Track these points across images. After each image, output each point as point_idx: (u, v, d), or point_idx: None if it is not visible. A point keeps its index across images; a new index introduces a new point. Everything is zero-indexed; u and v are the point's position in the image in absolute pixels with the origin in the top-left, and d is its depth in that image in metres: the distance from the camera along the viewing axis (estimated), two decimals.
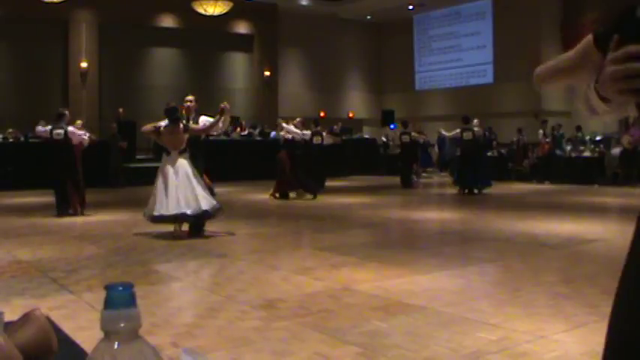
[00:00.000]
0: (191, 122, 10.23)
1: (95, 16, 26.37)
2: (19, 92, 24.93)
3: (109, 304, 0.86)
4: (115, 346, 0.84)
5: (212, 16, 26.04)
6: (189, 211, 9.58)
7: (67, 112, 13.57)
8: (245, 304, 5.86)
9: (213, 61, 29.28)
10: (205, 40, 28.47)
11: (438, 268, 7.52)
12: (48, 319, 1.30)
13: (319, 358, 4.43)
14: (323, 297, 6.08)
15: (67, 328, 1.63)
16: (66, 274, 7.28)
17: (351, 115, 33.05)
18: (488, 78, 29.92)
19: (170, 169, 9.65)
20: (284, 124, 17.11)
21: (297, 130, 16.79)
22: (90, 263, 8.00)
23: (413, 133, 20.94)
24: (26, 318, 1.27)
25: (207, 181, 10.91)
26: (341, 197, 17.15)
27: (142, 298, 5.97)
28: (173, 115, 9.93)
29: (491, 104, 28.55)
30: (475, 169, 18.01)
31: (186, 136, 9.83)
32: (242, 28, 29.82)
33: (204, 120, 10.45)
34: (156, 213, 9.65)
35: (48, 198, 14.60)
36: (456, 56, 31.46)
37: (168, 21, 28.22)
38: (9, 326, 1.30)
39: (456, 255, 8.62)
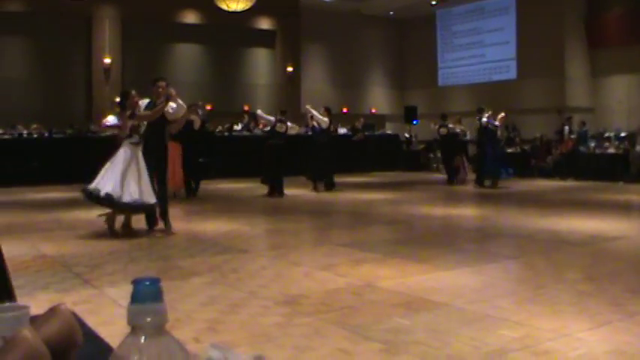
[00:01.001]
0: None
1: (118, 12, 26.48)
2: (42, 88, 25.09)
3: (135, 298, 0.86)
4: (142, 341, 0.84)
5: (234, 12, 26.05)
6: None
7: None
8: (267, 300, 5.87)
9: (236, 57, 29.32)
10: (228, 36, 28.50)
11: (461, 265, 7.50)
12: (73, 313, 1.31)
13: (341, 354, 4.43)
14: (345, 293, 6.08)
15: (91, 322, 1.64)
16: (89, 269, 7.34)
17: (373, 110, 32.99)
18: (512, 74, 29.73)
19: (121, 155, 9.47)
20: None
21: (271, 118, 16.51)
22: (113, 258, 8.04)
23: (450, 125, 20.73)
24: (51, 312, 1.28)
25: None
26: (363, 193, 17.14)
27: (165, 293, 6.01)
28: (120, 99, 9.96)
29: (514, 100, 28.35)
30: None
31: (131, 122, 9.61)
32: (264, 23, 29.83)
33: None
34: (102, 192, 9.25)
35: (71, 193, 14.69)
36: (479, 52, 31.29)
37: (190, 17, 28.28)
38: (35, 320, 1.30)
39: (478, 251, 8.58)
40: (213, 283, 6.57)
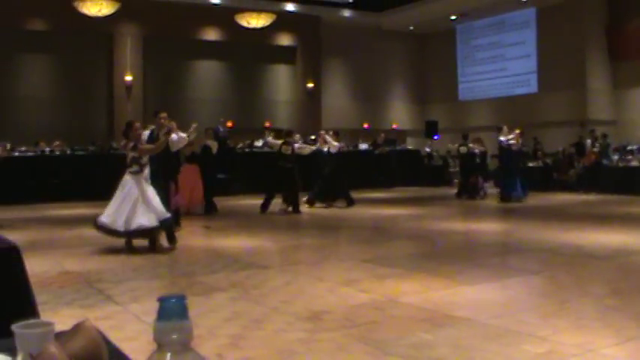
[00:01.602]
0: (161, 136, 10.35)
1: (140, 29, 26.70)
2: (64, 105, 25.33)
3: (161, 315, 0.86)
4: (168, 358, 0.84)
5: (255, 29, 26.21)
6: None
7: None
8: (290, 316, 5.86)
9: (257, 73, 29.44)
10: (249, 52, 28.63)
11: (484, 280, 7.45)
12: (97, 330, 1.32)
13: None
14: (368, 309, 6.05)
15: (114, 338, 1.64)
16: (113, 285, 7.36)
17: (394, 126, 32.97)
18: (533, 87, 29.63)
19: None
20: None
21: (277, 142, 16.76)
22: (136, 275, 8.07)
23: (470, 144, 20.89)
24: (77, 328, 1.29)
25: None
26: (385, 208, 17.11)
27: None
28: (125, 129, 10.01)
29: (535, 114, 28.26)
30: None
31: (132, 154, 9.73)
32: (285, 40, 29.95)
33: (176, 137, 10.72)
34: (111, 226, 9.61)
35: (94, 210, 14.76)
36: (500, 66, 31.22)
37: (211, 34, 28.45)
38: (60, 336, 1.31)
39: (501, 266, 8.53)
40: (236, 298, 6.57)
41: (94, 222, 9.69)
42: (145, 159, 9.72)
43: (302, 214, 15.46)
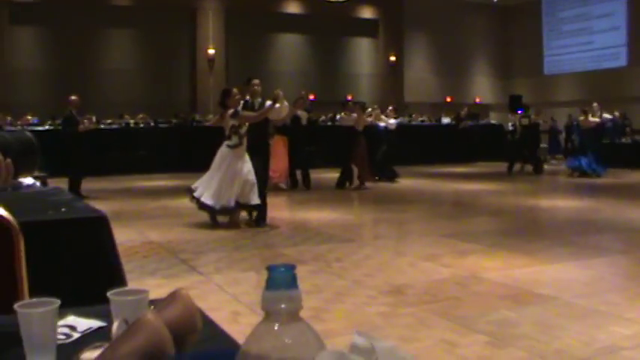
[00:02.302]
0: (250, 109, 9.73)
1: (222, 3, 26.92)
2: (148, 79, 25.77)
3: (270, 284, 0.87)
4: (276, 327, 0.85)
5: (337, 2, 26.14)
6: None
7: None
8: (372, 290, 5.88)
9: (338, 46, 29.38)
10: (330, 25, 28.57)
11: (568, 258, 7.32)
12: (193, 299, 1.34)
13: (446, 345, 4.40)
14: (450, 284, 6.02)
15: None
16: (195, 256, 7.50)
17: (477, 100, 32.52)
18: (622, 61, 28.74)
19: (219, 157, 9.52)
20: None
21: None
22: (218, 246, 8.19)
23: (532, 115, 20.43)
24: (172, 297, 1.31)
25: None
26: (466, 183, 16.93)
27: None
28: (221, 98, 9.63)
29: (624, 89, 27.46)
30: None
31: (232, 122, 9.38)
32: (367, 13, 29.78)
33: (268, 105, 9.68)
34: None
35: (176, 181, 15.05)
36: (587, 39, 30.34)
37: (293, 7, 28.49)
38: (157, 304, 1.34)
39: (587, 245, 8.34)
40: (318, 271, 6.61)
41: (193, 197, 9.49)
42: (244, 129, 9.31)
43: (380, 188, 15.40)
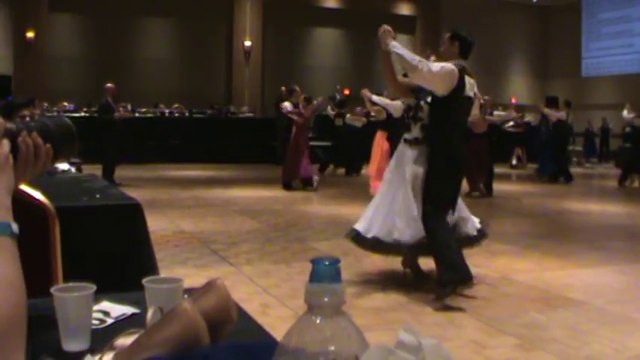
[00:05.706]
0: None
1: None
2: (184, 69, 25.84)
3: (314, 277, 0.86)
4: (318, 321, 0.84)
5: None
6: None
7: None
8: (402, 286, 5.85)
9: (375, 42, 29.16)
10: (367, 21, 28.36)
11: (602, 263, 7.24)
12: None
13: (475, 346, 4.37)
14: (481, 284, 5.97)
15: None
16: (226, 247, 7.53)
17: (513, 100, 32.25)
18: None
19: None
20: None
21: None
22: (250, 237, 8.22)
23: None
24: (208, 286, 1.31)
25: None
26: (501, 184, 16.78)
27: (300, 274, 6.09)
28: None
29: None
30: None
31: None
32: (405, 9, 29.67)
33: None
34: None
35: (210, 172, 15.11)
36: (628, 41, 29.91)
37: (331, 1, 28.45)
38: (193, 293, 1.34)
39: (621, 250, 8.24)
40: (348, 267, 6.59)
41: (356, 236, 6.24)
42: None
43: None
